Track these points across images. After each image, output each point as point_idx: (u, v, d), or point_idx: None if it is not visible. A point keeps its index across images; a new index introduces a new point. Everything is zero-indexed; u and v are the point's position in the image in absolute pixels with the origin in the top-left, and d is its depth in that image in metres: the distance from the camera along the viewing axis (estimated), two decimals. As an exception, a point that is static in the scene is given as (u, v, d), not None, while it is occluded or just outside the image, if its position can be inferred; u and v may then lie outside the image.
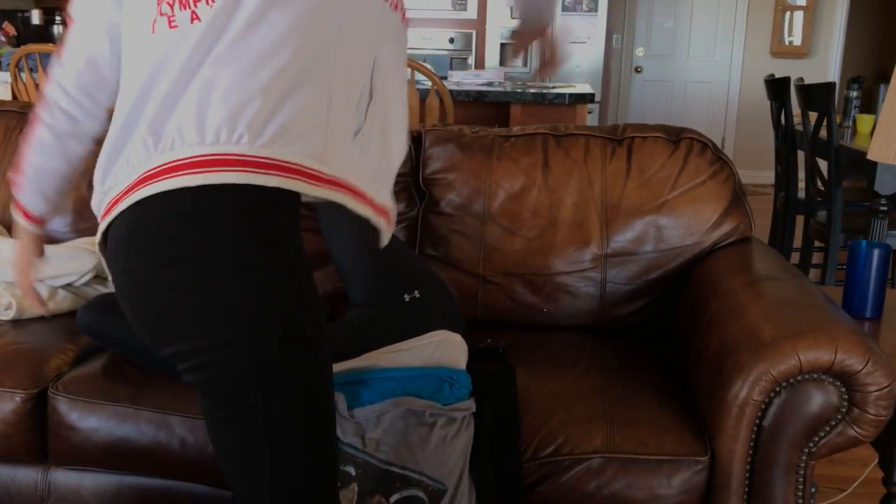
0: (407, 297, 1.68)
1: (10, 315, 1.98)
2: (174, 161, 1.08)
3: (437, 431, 1.51)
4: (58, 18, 5.73)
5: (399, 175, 2.14)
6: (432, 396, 1.54)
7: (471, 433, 1.55)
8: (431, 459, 1.49)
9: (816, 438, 1.47)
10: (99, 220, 1.20)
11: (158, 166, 1.09)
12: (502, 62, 6.19)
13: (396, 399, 1.52)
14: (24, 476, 1.79)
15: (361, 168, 1.21)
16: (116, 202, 1.13)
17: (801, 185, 3.85)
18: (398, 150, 1.34)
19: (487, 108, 3.61)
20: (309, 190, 1.11)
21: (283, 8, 1.11)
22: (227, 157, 1.08)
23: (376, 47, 1.26)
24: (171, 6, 1.13)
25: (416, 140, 2.19)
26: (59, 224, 2.25)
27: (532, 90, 3.56)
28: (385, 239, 1.30)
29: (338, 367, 1.58)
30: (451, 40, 6.31)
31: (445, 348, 1.64)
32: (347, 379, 1.56)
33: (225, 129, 1.08)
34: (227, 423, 1.13)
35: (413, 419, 1.52)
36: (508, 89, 3.57)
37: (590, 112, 5.49)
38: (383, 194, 1.27)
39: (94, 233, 1.45)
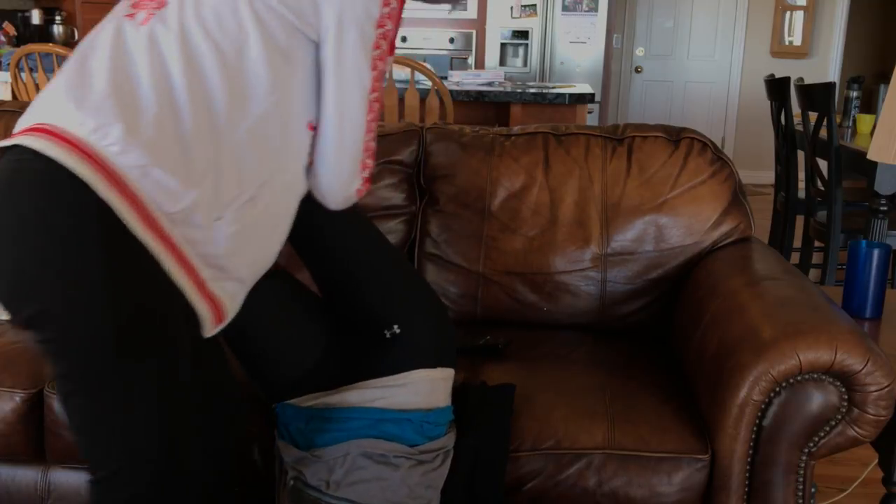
0: (387, 334, 1.56)
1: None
2: None
3: (403, 473, 1.48)
4: (58, 18, 5.73)
5: (401, 169, 2.16)
6: (401, 438, 1.51)
7: (444, 470, 1.54)
8: (395, 500, 1.48)
9: (816, 438, 1.47)
10: None
11: None
12: (502, 62, 6.19)
13: (362, 440, 1.49)
14: (24, 476, 1.79)
15: (205, 248, 1.21)
16: None
17: (801, 185, 3.85)
18: (268, 254, 1.34)
19: (487, 108, 3.61)
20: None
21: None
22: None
23: (278, 165, 1.28)
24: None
25: (417, 138, 2.19)
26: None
27: (532, 90, 3.56)
28: (207, 332, 1.27)
29: (308, 401, 1.55)
30: (451, 40, 6.31)
31: (420, 389, 1.56)
32: (316, 414, 1.54)
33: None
34: (78, 396, 1.19)
35: (378, 461, 1.48)
36: (508, 89, 3.57)
37: (590, 112, 5.49)
38: (227, 286, 1.25)
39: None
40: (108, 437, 1.22)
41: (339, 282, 1.61)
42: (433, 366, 1.57)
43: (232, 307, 1.28)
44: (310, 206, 1.39)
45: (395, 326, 1.56)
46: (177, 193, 1.15)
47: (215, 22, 1.21)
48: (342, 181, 1.33)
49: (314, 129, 1.31)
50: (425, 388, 1.55)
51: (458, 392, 1.68)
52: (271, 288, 1.55)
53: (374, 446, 1.48)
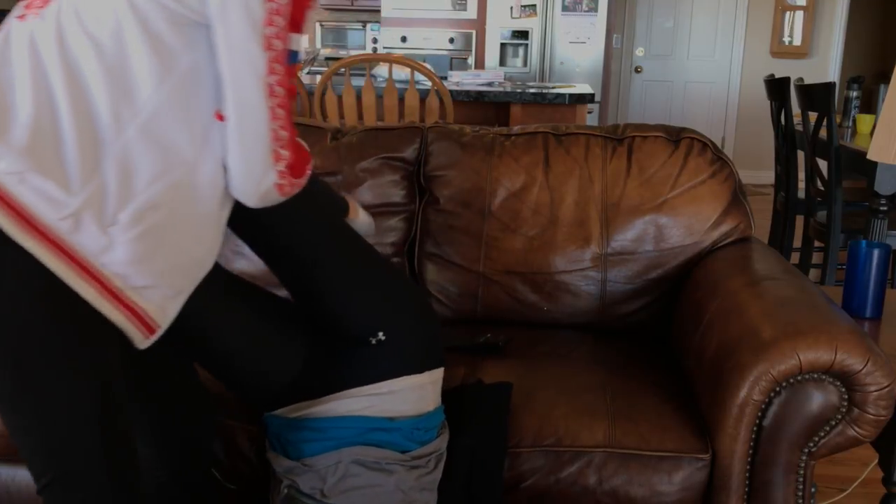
0: (373, 340, 1.51)
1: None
2: None
3: (397, 478, 1.47)
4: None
5: (402, 165, 2.16)
6: (392, 445, 1.50)
7: (438, 472, 1.53)
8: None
9: (816, 438, 1.47)
10: None
11: None
12: (502, 62, 6.19)
13: (353, 448, 1.47)
14: (24, 476, 1.79)
15: (106, 256, 1.17)
16: None
17: (801, 185, 3.85)
18: (201, 259, 1.30)
19: (487, 108, 3.61)
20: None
21: None
22: None
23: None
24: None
25: (419, 136, 2.19)
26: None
27: (532, 90, 3.56)
28: (139, 344, 1.26)
29: (294, 411, 1.53)
30: (451, 40, 6.31)
31: (407, 396, 1.52)
32: (303, 424, 1.52)
33: None
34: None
35: (371, 467, 1.47)
36: (508, 89, 3.57)
37: (590, 112, 5.49)
38: (149, 295, 1.22)
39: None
40: (34, 449, 1.22)
41: (313, 290, 1.54)
42: (420, 370, 1.54)
43: (162, 317, 1.26)
44: (263, 210, 1.35)
45: (381, 333, 1.51)
46: (60, 201, 1.12)
47: (92, 15, 1.17)
48: (252, 175, 1.24)
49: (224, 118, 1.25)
50: (413, 395, 1.53)
51: (453, 391, 1.68)
52: (242, 301, 1.53)
53: (365, 454, 1.47)
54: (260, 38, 1.18)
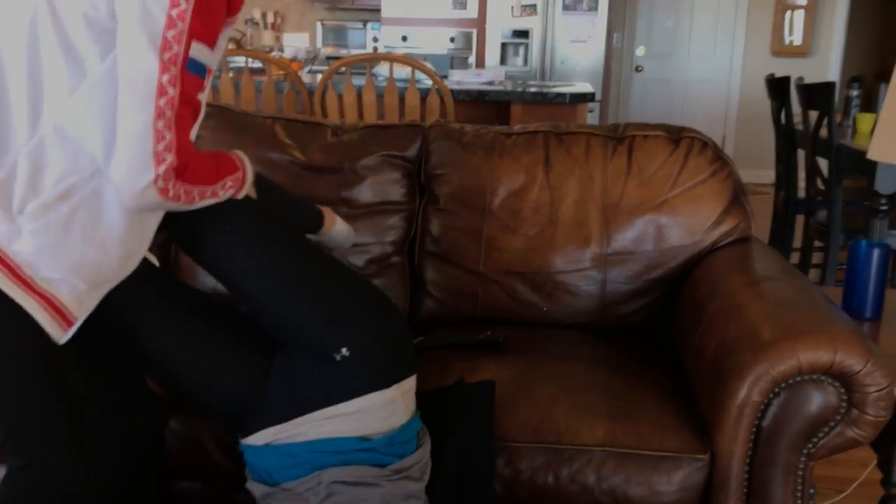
0: (337, 357, 1.45)
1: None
2: None
3: (382, 490, 1.44)
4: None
5: (402, 164, 2.16)
6: (371, 461, 1.46)
7: (424, 480, 1.51)
8: None
9: (815, 439, 1.47)
10: None
11: None
12: (503, 61, 6.18)
13: (331, 470, 1.45)
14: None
15: (16, 245, 1.23)
16: None
17: (802, 184, 3.85)
18: (117, 252, 1.32)
19: (488, 107, 3.60)
20: None
21: None
22: None
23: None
24: None
25: (420, 135, 2.19)
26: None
27: (532, 89, 3.56)
28: (57, 338, 1.28)
29: (265, 438, 1.49)
30: (452, 39, 6.31)
31: (377, 414, 1.47)
32: (277, 450, 1.48)
33: None
34: None
35: (353, 483, 1.44)
36: (509, 88, 3.57)
37: (590, 111, 5.48)
38: (59, 288, 1.26)
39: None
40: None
41: (269, 306, 1.48)
42: (388, 384, 1.49)
43: (78, 309, 1.29)
44: (200, 219, 1.37)
45: (344, 349, 1.45)
46: None
47: (11, 17, 1.24)
48: (129, 171, 1.23)
49: None
50: (383, 412, 1.48)
51: (436, 392, 1.67)
52: (194, 314, 1.50)
53: (344, 474, 1.44)
54: (155, 38, 1.22)
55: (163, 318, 1.47)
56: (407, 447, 1.50)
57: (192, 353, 1.48)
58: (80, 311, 1.30)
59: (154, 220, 1.40)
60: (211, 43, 1.30)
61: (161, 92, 1.23)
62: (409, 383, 1.54)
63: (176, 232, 1.49)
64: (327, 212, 1.80)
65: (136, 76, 1.22)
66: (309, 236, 1.72)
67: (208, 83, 1.34)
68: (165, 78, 1.23)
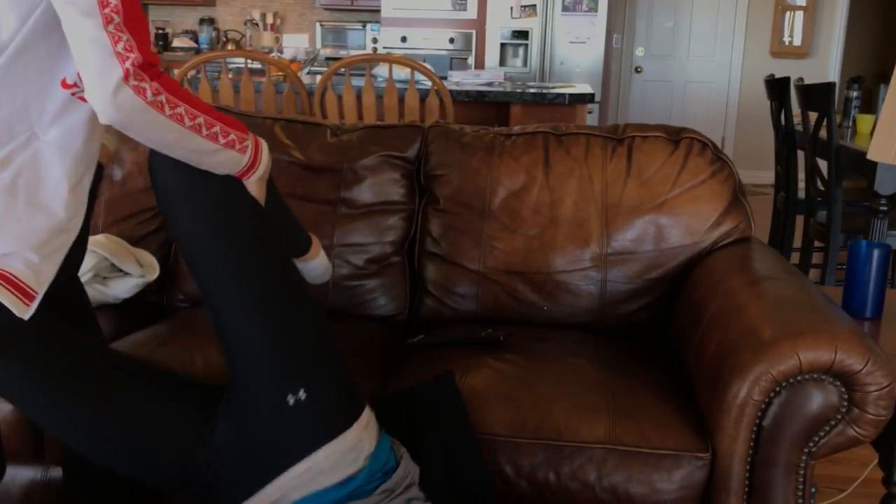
0: (291, 400, 1.32)
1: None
2: None
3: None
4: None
5: (402, 164, 2.16)
6: (353, 496, 1.37)
7: (415, 488, 1.45)
8: None
9: (816, 438, 1.47)
10: None
11: None
12: (502, 62, 6.19)
13: None
14: (24, 476, 1.79)
15: None
16: None
17: (801, 185, 3.85)
18: (58, 212, 1.30)
19: (487, 108, 3.60)
20: None
21: None
22: None
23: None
24: None
25: (420, 135, 2.19)
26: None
27: (532, 90, 3.56)
28: (21, 314, 1.24)
29: None
30: (451, 40, 6.31)
31: (341, 461, 1.37)
32: None
33: None
34: None
35: None
36: (508, 89, 3.57)
37: (590, 112, 5.49)
38: (12, 263, 1.24)
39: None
40: None
41: (228, 317, 1.37)
42: (350, 423, 1.39)
43: (36, 282, 1.27)
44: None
45: (301, 391, 1.33)
46: None
47: None
48: (96, 76, 1.20)
49: (74, 85, 1.28)
50: (349, 456, 1.38)
51: (394, 397, 1.64)
52: (124, 375, 1.38)
53: None
54: None
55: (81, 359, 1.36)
56: (387, 466, 1.43)
57: (119, 419, 1.35)
58: (38, 283, 1.27)
59: (87, 184, 1.37)
60: None
61: (103, 3, 1.20)
62: (367, 416, 1.44)
63: (164, 203, 1.41)
64: (315, 241, 1.75)
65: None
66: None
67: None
68: None
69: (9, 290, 1.24)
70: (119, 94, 1.20)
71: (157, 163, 1.39)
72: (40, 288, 1.28)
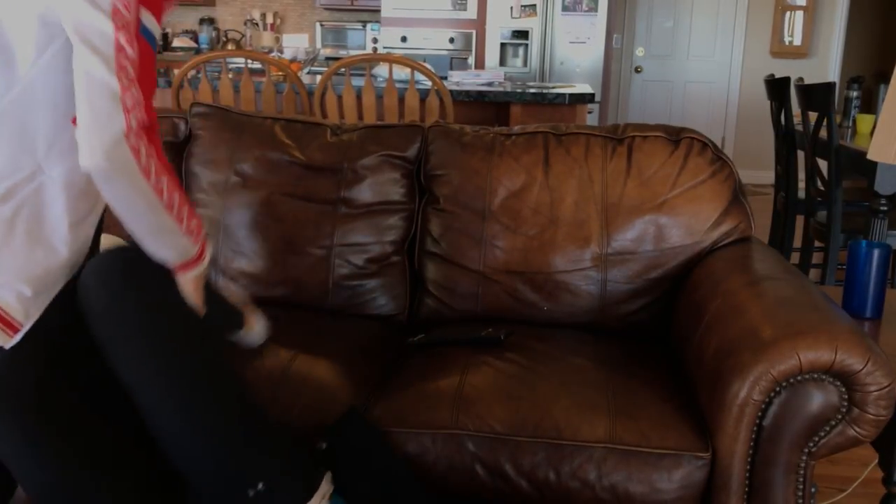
0: (251, 493, 1.29)
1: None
2: None
3: None
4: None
5: (402, 164, 2.16)
6: None
7: None
8: None
9: (816, 438, 1.47)
10: None
11: None
12: (502, 62, 6.19)
13: None
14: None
15: None
16: None
17: (801, 185, 3.85)
18: (62, 250, 1.29)
19: (487, 108, 3.60)
20: None
21: None
22: None
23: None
24: None
25: (420, 135, 2.19)
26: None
27: (532, 90, 3.56)
28: (2, 343, 1.24)
29: None
30: (451, 40, 6.31)
31: None
32: None
33: None
34: None
35: None
36: (508, 89, 3.57)
37: (590, 112, 5.48)
38: (4, 295, 1.24)
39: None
40: None
41: (161, 428, 1.32)
42: (309, 498, 1.38)
43: (23, 315, 1.26)
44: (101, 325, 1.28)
45: (260, 484, 1.30)
46: None
47: None
48: (98, 120, 1.19)
49: None
50: None
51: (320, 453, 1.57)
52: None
53: None
54: (105, 7, 1.20)
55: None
56: None
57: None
58: (26, 318, 1.27)
59: (93, 222, 1.37)
60: (157, 14, 1.28)
61: (119, 48, 1.20)
62: (325, 485, 1.43)
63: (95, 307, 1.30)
64: (248, 313, 1.71)
65: (91, 37, 1.19)
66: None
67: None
68: (122, 36, 1.21)
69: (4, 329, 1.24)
70: (116, 147, 1.19)
71: (97, 265, 1.32)
72: (27, 321, 1.27)
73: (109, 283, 1.29)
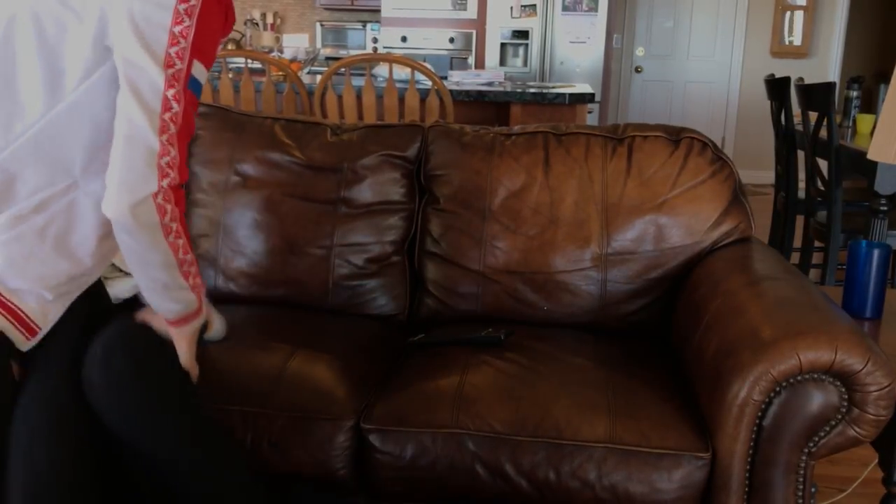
0: None
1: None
2: None
3: None
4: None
5: (402, 164, 2.16)
6: None
7: None
8: None
9: (816, 438, 1.47)
10: None
11: None
12: (502, 62, 6.19)
13: None
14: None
15: None
16: None
17: (801, 185, 3.85)
18: (83, 259, 1.30)
19: (487, 108, 3.60)
20: None
21: None
22: None
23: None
24: None
25: (420, 135, 2.19)
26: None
27: (532, 90, 3.56)
28: (20, 345, 1.24)
29: None
30: (451, 40, 6.31)
31: None
32: None
33: None
34: None
35: None
36: (508, 89, 3.57)
37: (590, 112, 5.48)
38: (27, 300, 1.25)
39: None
40: None
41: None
42: None
43: (43, 320, 1.28)
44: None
45: None
46: None
47: None
48: (130, 181, 1.21)
49: None
50: None
51: None
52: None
53: None
54: (159, 54, 1.21)
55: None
56: None
57: None
58: (45, 322, 1.29)
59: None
60: (208, 62, 1.29)
61: (167, 106, 1.22)
62: None
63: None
64: (207, 315, 1.64)
65: (139, 85, 1.20)
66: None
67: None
68: (171, 92, 1.22)
69: (12, 323, 1.25)
70: (143, 205, 1.21)
71: (103, 344, 1.30)
72: (46, 325, 1.29)
73: (113, 363, 1.29)
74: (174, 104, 1.23)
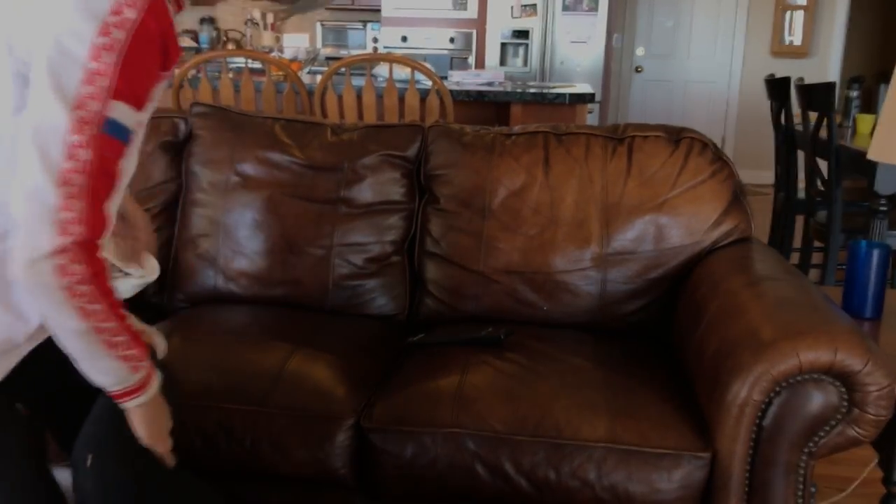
0: None
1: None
2: None
3: None
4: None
5: (402, 164, 2.16)
6: None
7: None
8: None
9: (816, 438, 1.47)
10: None
11: None
12: (502, 62, 6.18)
13: None
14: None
15: None
16: None
17: (801, 185, 3.85)
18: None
19: (487, 108, 3.60)
20: None
21: None
22: None
23: None
24: None
25: (420, 135, 2.19)
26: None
27: (532, 90, 3.56)
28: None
29: None
30: (452, 40, 6.31)
31: None
32: None
33: None
34: None
35: None
36: (508, 89, 3.57)
37: (590, 112, 5.48)
38: None
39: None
40: None
41: None
42: None
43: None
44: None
45: None
46: None
47: None
48: (24, 234, 1.06)
49: None
50: None
51: None
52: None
53: None
54: (68, 93, 1.07)
55: None
56: None
57: None
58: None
59: None
60: (138, 103, 1.13)
61: (70, 155, 1.07)
62: None
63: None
64: (149, 336, 1.47)
65: (42, 130, 1.06)
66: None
67: (133, 148, 1.17)
68: (77, 139, 1.07)
69: None
70: (37, 264, 1.07)
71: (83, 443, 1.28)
72: None
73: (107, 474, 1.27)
74: (80, 152, 1.07)
